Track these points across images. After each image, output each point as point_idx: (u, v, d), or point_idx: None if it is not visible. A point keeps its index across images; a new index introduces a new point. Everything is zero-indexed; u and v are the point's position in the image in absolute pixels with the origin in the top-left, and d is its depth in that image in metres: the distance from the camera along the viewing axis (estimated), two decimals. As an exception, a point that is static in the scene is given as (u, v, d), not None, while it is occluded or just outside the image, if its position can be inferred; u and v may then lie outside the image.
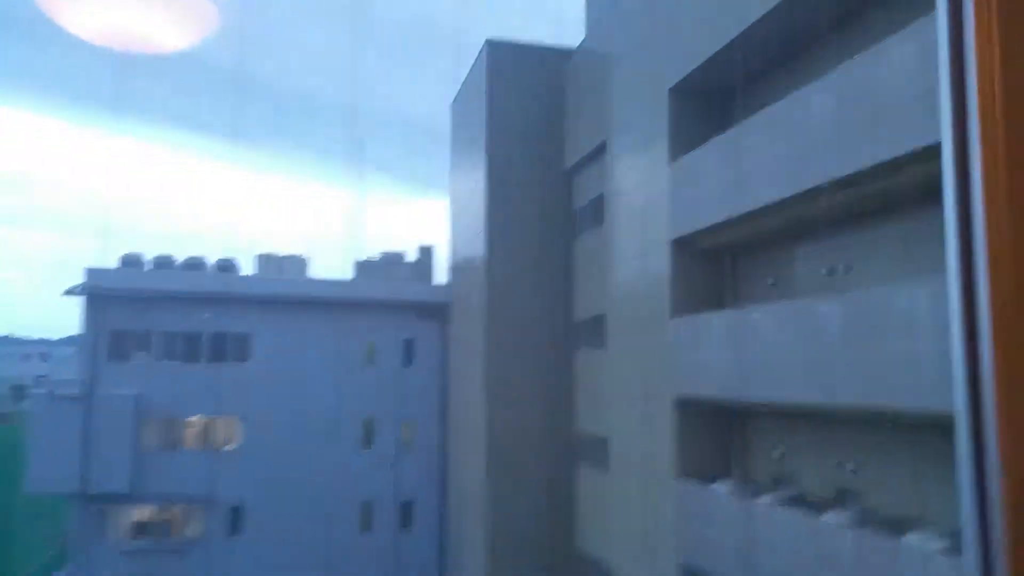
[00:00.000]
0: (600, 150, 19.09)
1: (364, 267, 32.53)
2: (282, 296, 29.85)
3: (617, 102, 17.60)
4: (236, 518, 28.56)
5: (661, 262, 14.76)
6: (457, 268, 27.14)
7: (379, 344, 30.15)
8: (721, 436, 14.18)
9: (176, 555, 28.17)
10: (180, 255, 31.19)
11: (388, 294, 30.03)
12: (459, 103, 26.79)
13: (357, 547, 28.99)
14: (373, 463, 29.31)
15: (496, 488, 20.41)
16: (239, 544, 28.37)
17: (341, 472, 29.11)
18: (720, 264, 14.62)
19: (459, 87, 26.61)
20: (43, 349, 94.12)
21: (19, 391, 63.45)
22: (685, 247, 14.42)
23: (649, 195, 15.57)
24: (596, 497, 18.82)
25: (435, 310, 29.66)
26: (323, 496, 28.93)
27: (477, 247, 22.49)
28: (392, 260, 32.75)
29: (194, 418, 29.46)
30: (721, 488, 13.04)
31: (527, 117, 22.01)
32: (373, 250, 33.01)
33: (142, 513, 28.72)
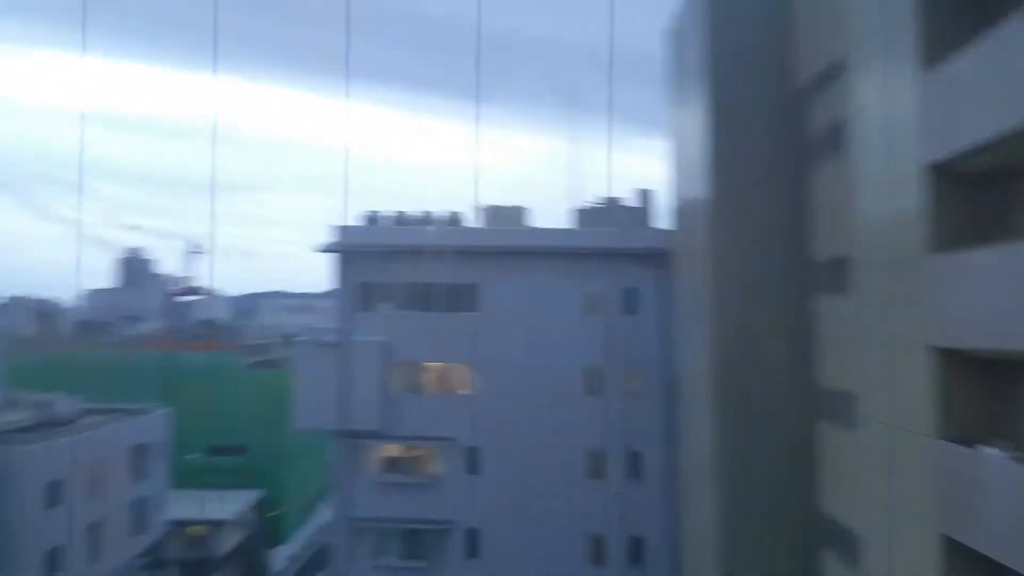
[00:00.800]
0: (838, 65, 16.84)
1: (584, 215, 32.12)
2: (506, 247, 30.31)
3: (859, 4, 15.37)
4: (473, 458, 29.87)
5: (916, 191, 12.73)
6: (680, 210, 25.79)
7: (601, 292, 29.73)
8: (990, 392, 12.10)
9: (422, 489, 30.08)
10: (414, 211, 32.72)
11: (608, 242, 29.40)
12: (675, 31, 25.13)
13: (585, 494, 29.20)
14: (597, 411, 29.19)
15: (729, 443, 19.30)
16: (477, 483, 29.69)
17: (566, 419, 29.33)
18: (988, 192, 12.31)
19: (673, 14, 24.95)
20: (309, 302, 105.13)
21: (288, 339, 71.30)
22: (946, 172, 12.28)
23: (899, 112, 13.44)
24: (842, 458, 17.13)
25: (657, 256, 28.60)
26: (550, 442, 29.35)
27: (700, 186, 21.07)
28: (611, 206, 31.99)
29: (433, 364, 31.05)
30: (994, 452, 11.14)
31: (751, 38, 20.01)
32: (592, 196, 32.47)
33: (392, 450, 30.94)
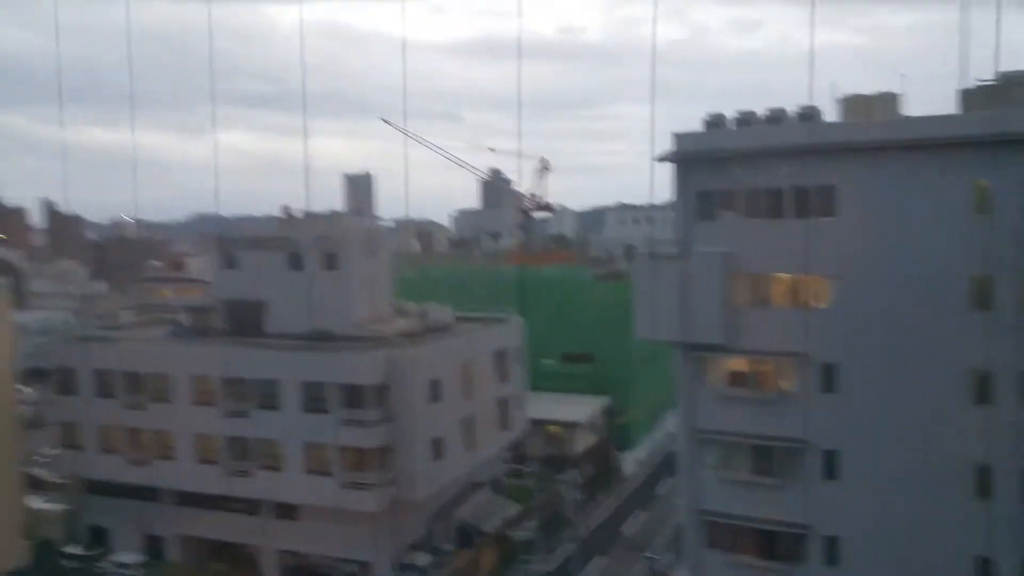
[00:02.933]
0: None
1: (970, 96, 27.03)
2: (870, 141, 26.78)
3: None
4: (828, 376, 27.72)
5: None
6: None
7: (994, 188, 25.04)
8: None
9: (771, 405, 28.79)
10: (764, 109, 30.33)
11: (1004, 126, 24.45)
12: None
13: (966, 423, 25.51)
14: (986, 329, 25.01)
15: None
16: (832, 401, 27.59)
17: (944, 337, 25.65)
18: None
19: None
20: (650, 213, 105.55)
21: (630, 251, 72.35)
22: None
23: None
24: None
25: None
26: (922, 361, 26.00)
27: None
28: (1008, 83, 26.47)
29: (781, 275, 29.12)
30: None
31: None
32: (982, 73, 27.04)
33: (737, 364, 29.92)
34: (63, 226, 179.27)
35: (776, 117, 29.80)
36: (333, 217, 51.36)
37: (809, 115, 29.21)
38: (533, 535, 44.39)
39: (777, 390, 28.93)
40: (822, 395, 27.70)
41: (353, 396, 38.85)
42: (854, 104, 29.13)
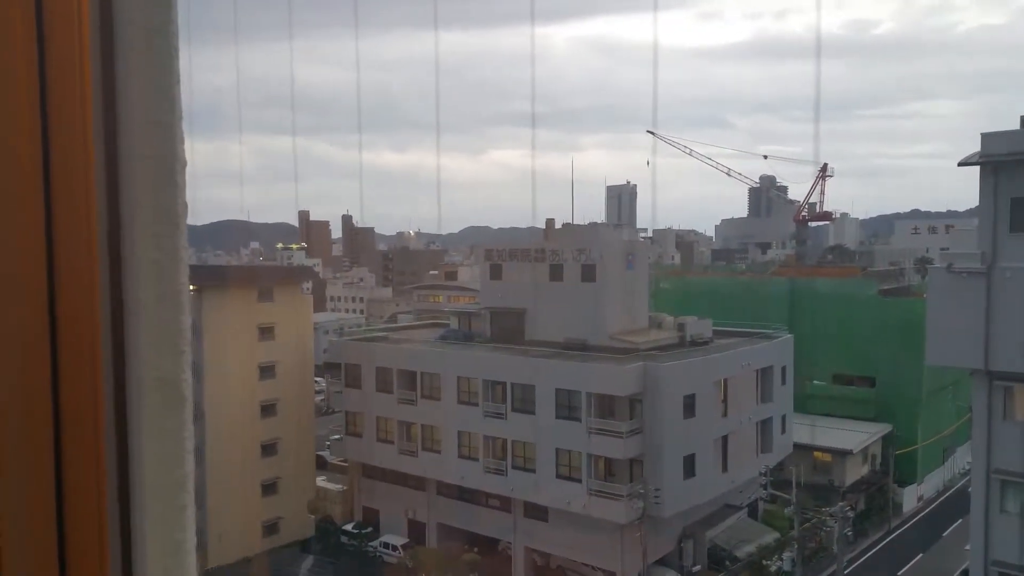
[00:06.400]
0: None
1: None
2: None
3: None
4: None
5: None
6: None
7: None
8: None
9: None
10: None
11: None
12: None
13: None
14: None
15: None
16: None
17: None
18: None
19: None
20: (948, 221, 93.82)
21: (923, 264, 64.76)
22: None
23: None
24: None
25: None
26: None
27: None
28: None
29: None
30: None
31: None
32: None
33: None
34: (357, 238, 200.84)
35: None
36: (592, 229, 51.74)
37: None
38: (791, 567, 41.25)
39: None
40: None
41: (605, 406, 38.70)
42: None
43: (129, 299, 1.22)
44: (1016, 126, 27.24)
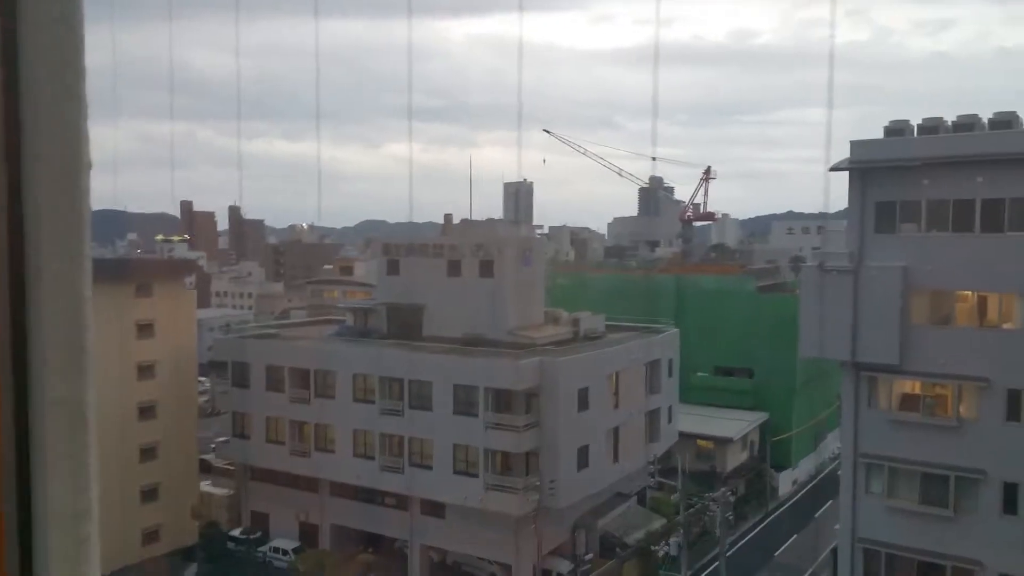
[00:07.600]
0: None
1: None
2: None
3: None
4: (1013, 403, 25.09)
5: None
6: None
7: None
8: None
9: (946, 432, 26.47)
10: (951, 117, 27.95)
11: None
12: None
13: None
14: None
15: None
16: (1017, 430, 24.97)
17: None
18: None
19: None
20: (820, 223, 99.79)
21: (797, 263, 68.77)
22: None
23: None
24: None
25: None
26: None
27: None
28: None
29: (965, 293, 26.63)
30: None
31: None
32: None
33: (910, 386, 27.85)
34: (245, 230, 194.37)
35: (968, 123, 27.35)
36: (490, 225, 52.20)
37: (1005, 122, 26.56)
38: (677, 551, 43.09)
39: (955, 416, 26.53)
40: (1005, 424, 25.23)
41: (502, 401, 39.21)
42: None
43: (32, 313, 1.11)
44: (881, 135, 29.32)
